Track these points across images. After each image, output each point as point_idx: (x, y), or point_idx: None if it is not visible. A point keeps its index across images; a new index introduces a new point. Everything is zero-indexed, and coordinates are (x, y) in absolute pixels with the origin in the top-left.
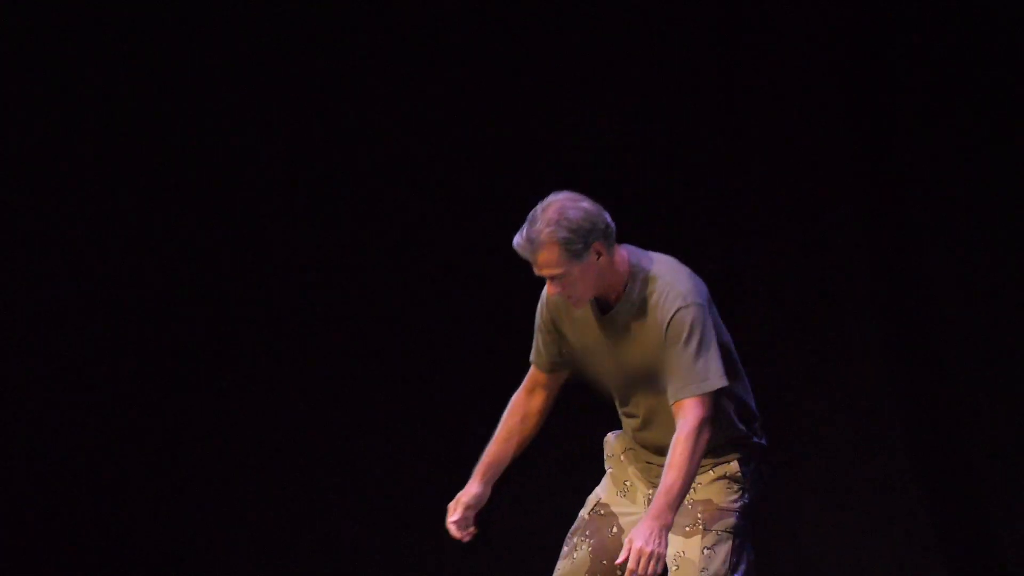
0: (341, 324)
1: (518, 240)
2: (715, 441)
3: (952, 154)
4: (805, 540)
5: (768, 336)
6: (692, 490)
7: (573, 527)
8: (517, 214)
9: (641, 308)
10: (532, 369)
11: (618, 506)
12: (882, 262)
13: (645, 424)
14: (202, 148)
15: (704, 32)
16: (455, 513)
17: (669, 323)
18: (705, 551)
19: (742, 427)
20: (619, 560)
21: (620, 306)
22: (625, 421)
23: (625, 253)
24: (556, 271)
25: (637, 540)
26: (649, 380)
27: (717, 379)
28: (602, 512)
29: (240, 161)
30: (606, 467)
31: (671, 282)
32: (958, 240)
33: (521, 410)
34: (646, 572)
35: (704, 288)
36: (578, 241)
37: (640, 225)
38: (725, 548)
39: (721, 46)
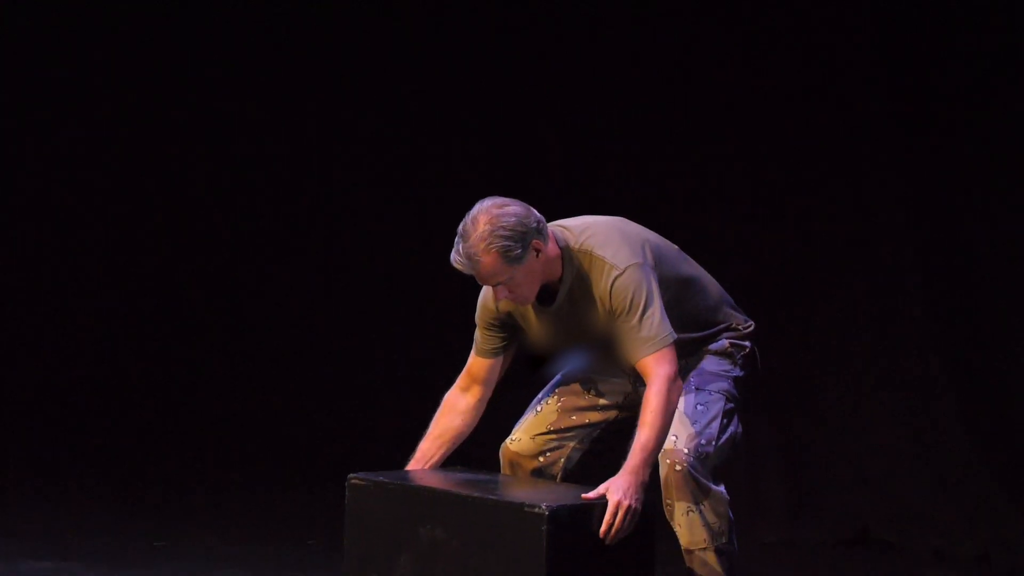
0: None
1: (455, 257)
2: (702, 331)
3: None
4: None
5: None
6: (685, 363)
7: (545, 403)
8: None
9: (580, 286)
10: (470, 364)
11: (590, 383)
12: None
13: (602, 368)
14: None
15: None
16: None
17: (610, 294)
18: (698, 407)
19: (720, 317)
20: (589, 495)
21: (561, 293)
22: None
23: (553, 238)
24: (501, 278)
25: (615, 493)
26: (605, 344)
27: (668, 334)
28: (576, 385)
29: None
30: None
31: (601, 253)
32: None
33: (454, 408)
34: (622, 526)
35: (632, 239)
36: (517, 246)
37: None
38: (717, 407)
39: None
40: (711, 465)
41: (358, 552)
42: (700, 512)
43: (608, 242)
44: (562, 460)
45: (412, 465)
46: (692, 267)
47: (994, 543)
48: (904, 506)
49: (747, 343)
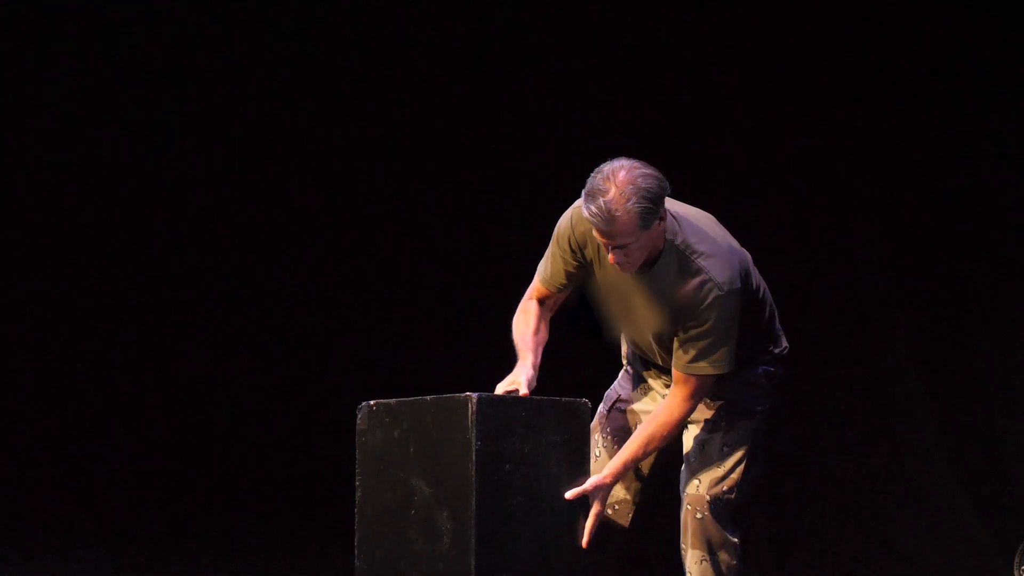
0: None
1: (592, 210)
2: (744, 354)
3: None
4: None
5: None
6: (723, 387)
7: (592, 424)
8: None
9: (677, 279)
10: (537, 286)
11: (638, 403)
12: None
13: (641, 352)
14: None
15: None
16: (524, 391)
17: (702, 308)
18: (724, 448)
19: (767, 341)
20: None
21: (656, 271)
22: (626, 339)
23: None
24: (628, 240)
25: (600, 503)
26: (659, 336)
27: (724, 366)
28: (622, 409)
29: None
30: (623, 363)
31: (711, 263)
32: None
33: (537, 313)
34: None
35: (737, 262)
36: (654, 211)
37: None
38: (743, 449)
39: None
40: (732, 511)
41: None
42: (713, 562)
43: (720, 258)
44: (630, 516)
45: (529, 351)
46: (758, 278)
47: None
48: (890, 549)
49: (778, 369)
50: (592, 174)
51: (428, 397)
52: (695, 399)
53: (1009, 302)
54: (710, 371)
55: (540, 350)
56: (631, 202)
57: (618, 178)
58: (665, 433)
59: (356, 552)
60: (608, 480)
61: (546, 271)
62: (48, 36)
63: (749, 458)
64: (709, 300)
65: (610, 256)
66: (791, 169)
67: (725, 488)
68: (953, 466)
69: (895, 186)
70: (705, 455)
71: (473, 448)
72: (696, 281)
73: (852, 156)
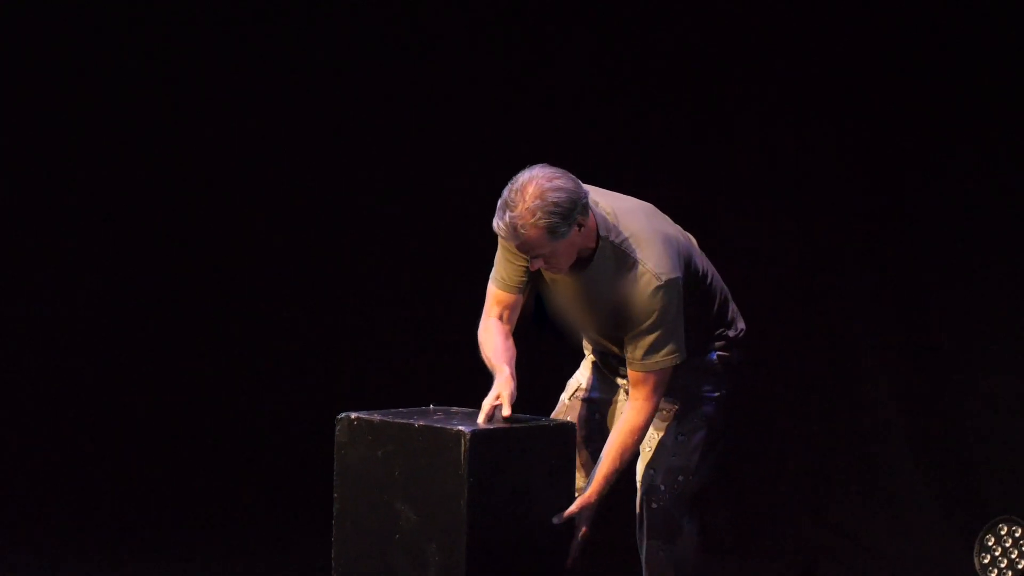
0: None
1: (498, 224)
2: (693, 342)
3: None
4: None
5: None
6: (677, 374)
7: (555, 411)
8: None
9: (615, 275)
10: (496, 293)
11: (599, 392)
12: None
13: (598, 343)
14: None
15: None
16: (507, 407)
17: (644, 300)
18: (679, 437)
19: (718, 326)
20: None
21: (592, 269)
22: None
23: (592, 212)
24: (542, 251)
25: (585, 523)
26: (612, 327)
27: (676, 358)
28: (583, 398)
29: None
30: (584, 352)
31: (647, 254)
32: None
33: (501, 329)
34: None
35: (674, 251)
36: (564, 223)
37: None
38: (699, 436)
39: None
40: (688, 500)
41: (344, 484)
42: (669, 552)
43: (651, 244)
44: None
45: (503, 362)
46: (705, 262)
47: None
48: (853, 540)
49: (735, 353)
50: (508, 184)
51: (415, 423)
52: (657, 394)
53: (975, 295)
54: (666, 364)
55: (513, 362)
56: (536, 217)
57: (527, 192)
58: (637, 438)
59: (333, 565)
60: (593, 499)
61: (500, 274)
62: (48, 36)
63: (706, 445)
64: (650, 292)
65: (532, 262)
66: (771, 168)
67: (681, 477)
68: (916, 457)
69: (867, 185)
70: (660, 444)
71: (466, 485)
72: (634, 274)
73: (825, 153)
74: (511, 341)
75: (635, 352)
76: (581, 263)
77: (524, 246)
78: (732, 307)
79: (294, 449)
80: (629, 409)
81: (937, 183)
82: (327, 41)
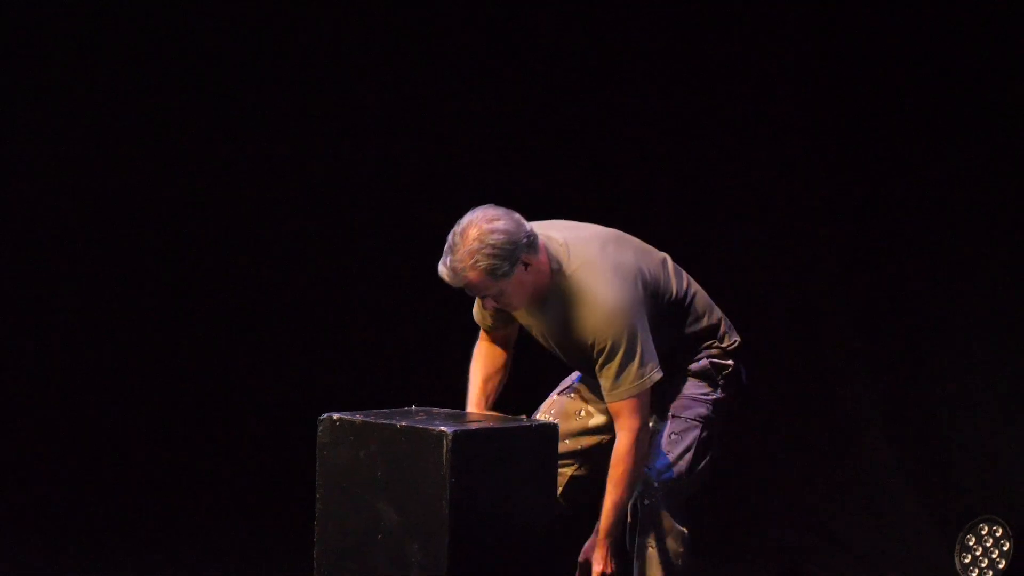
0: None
1: (442, 269)
2: (680, 359)
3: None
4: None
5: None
6: (669, 382)
7: (543, 405)
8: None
9: (569, 307)
10: (484, 332)
11: (588, 391)
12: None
13: (576, 370)
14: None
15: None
16: None
17: (597, 329)
18: (672, 436)
19: (707, 339)
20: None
21: (548, 304)
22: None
23: (544, 249)
24: (488, 292)
25: (598, 564)
26: (580, 359)
27: (647, 380)
28: (572, 395)
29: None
30: None
31: (596, 281)
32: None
33: (490, 356)
34: None
35: (624, 275)
36: (504, 264)
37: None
38: (692, 436)
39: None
40: (681, 498)
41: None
42: (660, 550)
43: (601, 272)
44: (562, 487)
45: (477, 406)
46: (682, 281)
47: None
48: (835, 541)
49: (730, 362)
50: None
51: (397, 423)
52: (641, 416)
53: (953, 295)
54: (635, 389)
55: (493, 398)
56: (475, 259)
57: (468, 236)
58: (634, 466)
59: (315, 566)
60: (604, 539)
61: (475, 314)
62: (47, 36)
63: (699, 446)
64: (603, 320)
65: (484, 302)
66: (749, 175)
67: (674, 475)
68: (897, 458)
69: (845, 189)
70: (654, 443)
71: (448, 484)
72: (587, 305)
73: (802, 159)
74: (499, 371)
75: (605, 383)
76: (540, 299)
77: (469, 288)
78: (724, 322)
79: (276, 449)
80: (620, 443)
81: (914, 186)
82: (327, 41)
